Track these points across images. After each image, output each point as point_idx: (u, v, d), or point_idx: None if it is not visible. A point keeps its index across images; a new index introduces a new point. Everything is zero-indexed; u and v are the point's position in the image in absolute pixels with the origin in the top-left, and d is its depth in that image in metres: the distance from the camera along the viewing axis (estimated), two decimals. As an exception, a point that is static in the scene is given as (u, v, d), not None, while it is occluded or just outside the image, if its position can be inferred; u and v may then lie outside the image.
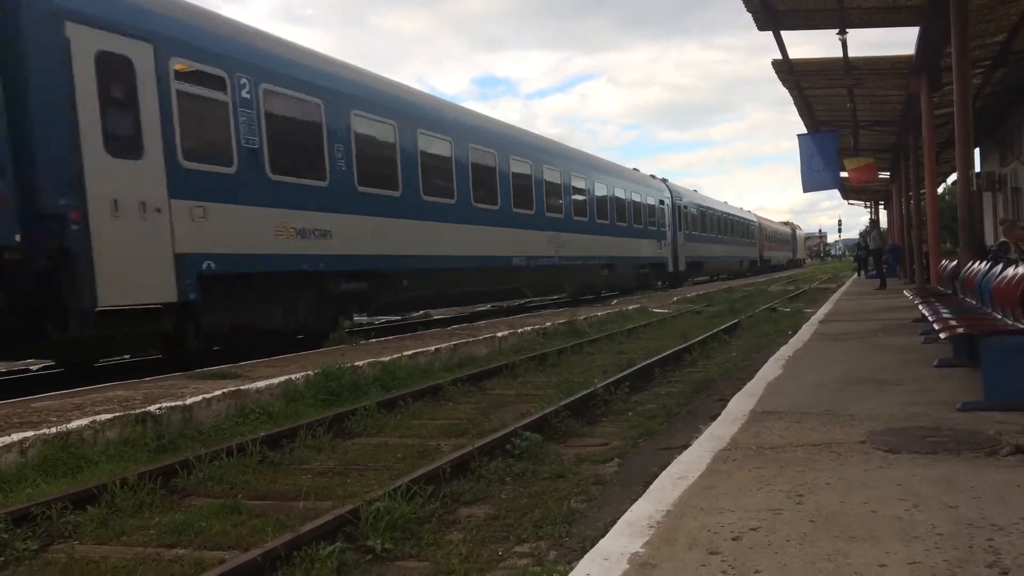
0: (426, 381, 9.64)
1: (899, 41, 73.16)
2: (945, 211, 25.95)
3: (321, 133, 12.95)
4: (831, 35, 13.28)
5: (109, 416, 6.59)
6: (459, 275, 17.12)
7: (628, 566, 2.92)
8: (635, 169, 32.30)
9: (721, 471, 4.18)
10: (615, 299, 26.15)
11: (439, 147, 16.53)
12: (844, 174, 25.54)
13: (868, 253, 29.24)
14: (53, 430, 6.12)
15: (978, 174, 19.86)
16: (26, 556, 4.36)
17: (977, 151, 22.44)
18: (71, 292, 8.91)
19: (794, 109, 19.52)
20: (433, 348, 11.45)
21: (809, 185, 21.27)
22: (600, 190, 26.05)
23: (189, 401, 7.34)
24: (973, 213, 11.32)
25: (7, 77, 8.55)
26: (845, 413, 5.48)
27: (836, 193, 40.00)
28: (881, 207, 45.37)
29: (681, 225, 35.15)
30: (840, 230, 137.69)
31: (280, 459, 6.30)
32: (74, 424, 6.31)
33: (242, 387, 8.04)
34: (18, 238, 8.52)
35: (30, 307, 8.87)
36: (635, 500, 3.85)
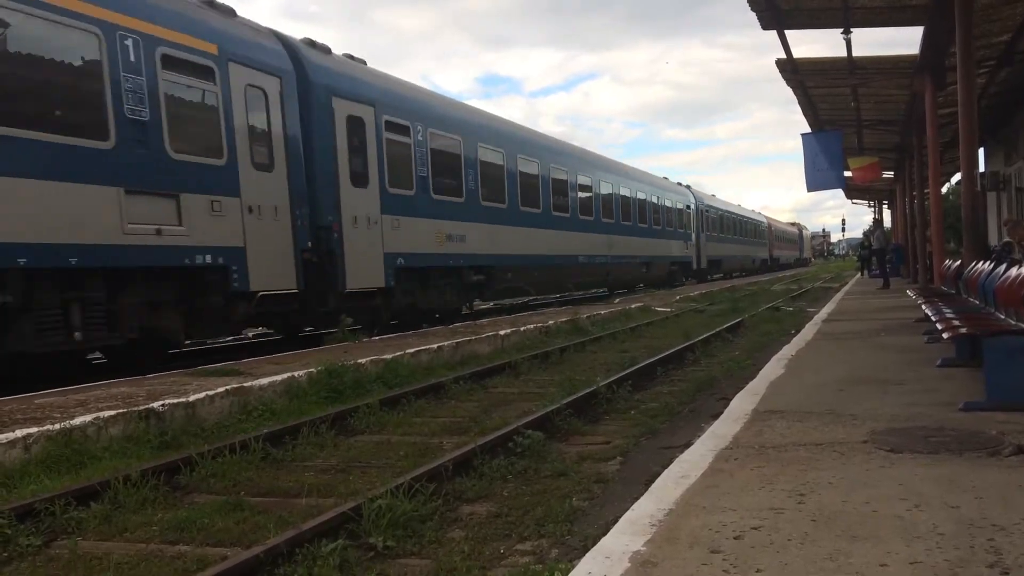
0: (428, 379, 9.66)
1: (903, 40, 72.98)
2: (949, 211, 25.91)
3: (460, 162, 17.26)
4: (835, 34, 13.28)
5: (112, 412, 6.61)
6: (544, 270, 21.30)
7: (630, 564, 2.92)
8: (665, 178, 36.61)
9: (723, 470, 4.18)
10: (618, 298, 26.16)
11: (531, 168, 20.80)
12: (848, 173, 25.50)
13: (871, 253, 29.22)
14: (57, 426, 6.14)
15: (982, 174, 19.81)
16: (29, 552, 4.38)
17: (981, 151, 22.38)
18: (332, 280, 12.97)
19: (798, 108, 19.50)
20: (435, 346, 11.46)
21: (813, 185, 21.23)
22: (640, 198, 30.15)
23: (192, 398, 7.36)
24: (977, 213, 11.30)
25: (304, 135, 12.49)
26: (847, 413, 5.48)
27: (840, 192, 40.44)
28: (885, 206, 45.30)
29: (703, 227, 39.49)
30: (844, 229, 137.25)
31: (283, 456, 6.31)
32: (78, 420, 6.33)
33: (245, 384, 8.05)
34: (310, 243, 12.55)
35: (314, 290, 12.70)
36: (637, 499, 3.85)
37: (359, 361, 9.53)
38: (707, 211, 41.06)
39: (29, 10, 8.57)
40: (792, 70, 15.48)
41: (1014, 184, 21.89)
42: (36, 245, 8.52)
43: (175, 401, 7.18)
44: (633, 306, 20.92)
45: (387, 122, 14.58)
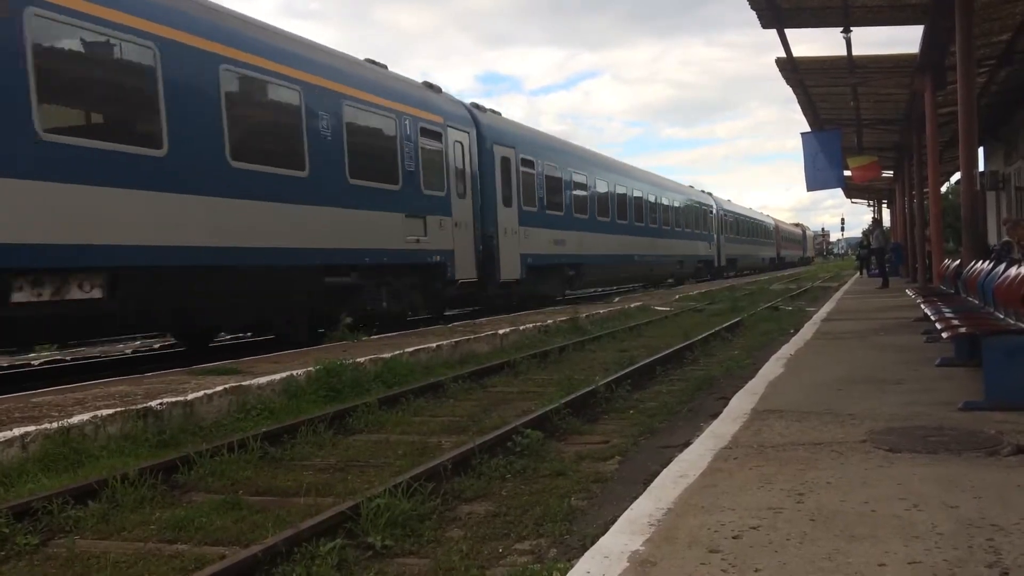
0: (427, 378, 9.65)
1: (903, 39, 72.97)
2: (948, 210, 25.90)
3: (561, 185, 22.95)
4: (835, 33, 13.27)
5: (110, 411, 6.60)
6: (612, 266, 27.26)
7: (628, 564, 2.92)
8: (690, 186, 42.34)
9: (722, 469, 4.18)
10: (617, 297, 26.18)
11: (603, 186, 26.67)
12: (847, 172, 25.50)
13: (871, 252, 29.24)
14: (54, 425, 6.13)
15: (982, 173, 19.80)
16: (27, 551, 4.37)
17: (981, 150, 22.38)
18: (489, 273, 18.05)
19: (798, 107, 19.50)
20: (434, 345, 11.46)
21: (813, 184, 21.23)
22: (676, 206, 35.92)
23: (190, 397, 7.35)
24: (976, 212, 11.30)
25: (482, 173, 18.08)
26: (846, 412, 5.47)
27: (839, 191, 40.97)
28: (884, 206, 45.30)
29: (722, 230, 45.09)
30: (843, 229, 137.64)
31: (281, 455, 6.31)
32: (75, 419, 6.32)
33: (243, 383, 8.04)
34: (480, 247, 17.87)
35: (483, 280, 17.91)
36: (636, 498, 3.84)
37: (358, 360, 9.52)
38: (725, 215, 46.40)
39: (370, 108, 14.26)
40: (792, 69, 15.48)
41: (1014, 183, 21.89)
42: (371, 249, 13.94)
43: (173, 400, 7.17)
44: (632, 305, 20.92)
45: (522, 159, 20.30)
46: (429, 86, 17.25)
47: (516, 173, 19.79)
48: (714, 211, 43.41)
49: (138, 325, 12.80)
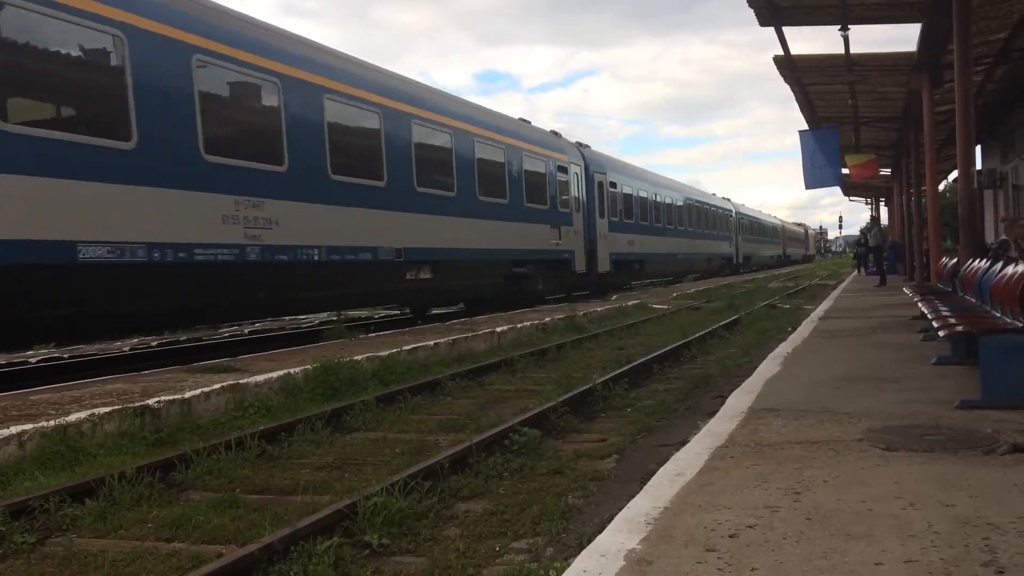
0: (425, 376, 9.65)
1: (901, 38, 73.04)
2: (946, 208, 25.92)
3: (632, 200, 29.33)
4: (833, 31, 13.27)
5: (108, 409, 6.59)
6: (662, 262, 33.42)
7: (625, 563, 2.92)
8: (713, 194, 47.56)
9: (719, 468, 4.18)
10: (615, 295, 26.20)
11: (657, 198, 32.86)
12: (845, 171, 25.50)
13: (868, 250, 29.27)
14: (52, 423, 6.12)
15: (979, 171, 19.81)
16: (24, 549, 4.37)
17: (978, 148, 22.40)
18: (591, 266, 24.31)
19: (797, 105, 19.50)
20: (432, 343, 11.46)
21: (811, 182, 21.23)
22: (705, 210, 42.01)
23: (188, 395, 7.34)
24: (974, 211, 11.31)
25: (587, 194, 24.54)
26: (843, 411, 5.48)
27: (837, 189, 41.20)
28: (882, 204, 45.34)
29: (739, 231, 51.32)
30: (841, 226, 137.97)
31: (278, 453, 6.30)
32: (73, 417, 6.31)
33: (241, 381, 8.04)
34: (586, 248, 23.91)
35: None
36: (632, 497, 3.84)
37: (355, 358, 9.52)
38: (741, 218, 52.52)
39: (535, 156, 21.18)
40: (790, 67, 15.48)
41: (1011, 182, 21.90)
42: (535, 250, 20.53)
43: (170, 398, 7.17)
44: (630, 303, 20.93)
45: (610, 182, 26.85)
46: (556, 134, 24.50)
47: (606, 193, 26.39)
48: (733, 215, 49.47)
49: (443, 296, 19.21)
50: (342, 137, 13.63)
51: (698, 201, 40.65)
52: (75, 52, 9.15)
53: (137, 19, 9.76)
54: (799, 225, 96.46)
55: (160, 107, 10.01)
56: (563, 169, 22.83)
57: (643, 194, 30.65)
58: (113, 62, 9.54)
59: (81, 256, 8.91)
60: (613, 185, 27.02)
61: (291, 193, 12.14)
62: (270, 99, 12.01)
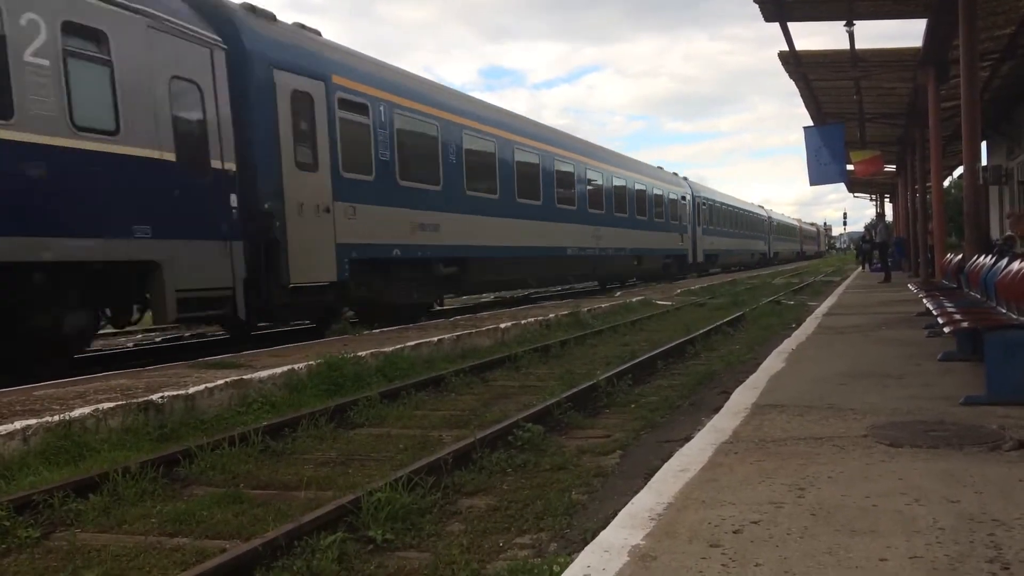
0: (428, 372, 9.64)
1: (907, 33, 72.95)
2: (951, 204, 25.84)
3: (712, 213, 41.39)
4: (838, 27, 13.22)
5: (111, 404, 6.60)
6: (727, 255, 44.24)
7: (629, 558, 2.92)
8: (751, 203, 55.58)
9: (723, 464, 4.17)
10: (619, 291, 26.18)
11: (731, 211, 45.36)
12: (850, 167, 25.43)
13: (873, 246, 29.21)
14: (56, 418, 6.13)
15: (984, 167, 19.73)
16: (28, 544, 4.37)
17: (984, 144, 22.32)
18: (695, 258, 38.07)
19: (801, 101, 19.44)
20: (436, 339, 11.45)
21: (816, 179, 21.18)
22: (750, 218, 51.54)
23: (192, 390, 7.35)
24: (979, 207, 11.27)
25: (692, 215, 37.98)
26: (847, 407, 5.47)
27: (842, 186, 41.38)
28: (887, 200, 45.23)
29: (771, 232, 60.70)
30: (845, 223, 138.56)
31: (282, 449, 6.31)
32: (76, 412, 6.32)
33: (245, 376, 8.05)
34: (692, 247, 39.08)
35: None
36: (636, 492, 3.84)
37: (359, 354, 9.52)
38: (773, 221, 62.05)
39: (668, 192, 34.35)
40: (795, 63, 15.43)
41: (1016, 178, 21.83)
42: (675, 248, 34.86)
43: (174, 393, 7.17)
44: (634, 299, 20.91)
45: (702, 201, 38.98)
46: (675, 174, 36.97)
47: (700, 210, 38.16)
48: (766, 218, 57.30)
49: (641, 274, 31.54)
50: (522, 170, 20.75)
51: (746, 211, 51.67)
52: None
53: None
54: (812, 224, 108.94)
55: (450, 164, 16.91)
56: (683, 199, 36.04)
57: (717, 208, 42.63)
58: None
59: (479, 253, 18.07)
60: (704, 203, 39.33)
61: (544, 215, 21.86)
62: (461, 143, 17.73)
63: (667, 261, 34.28)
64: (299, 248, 12.00)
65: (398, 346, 10.49)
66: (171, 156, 9.96)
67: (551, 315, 15.59)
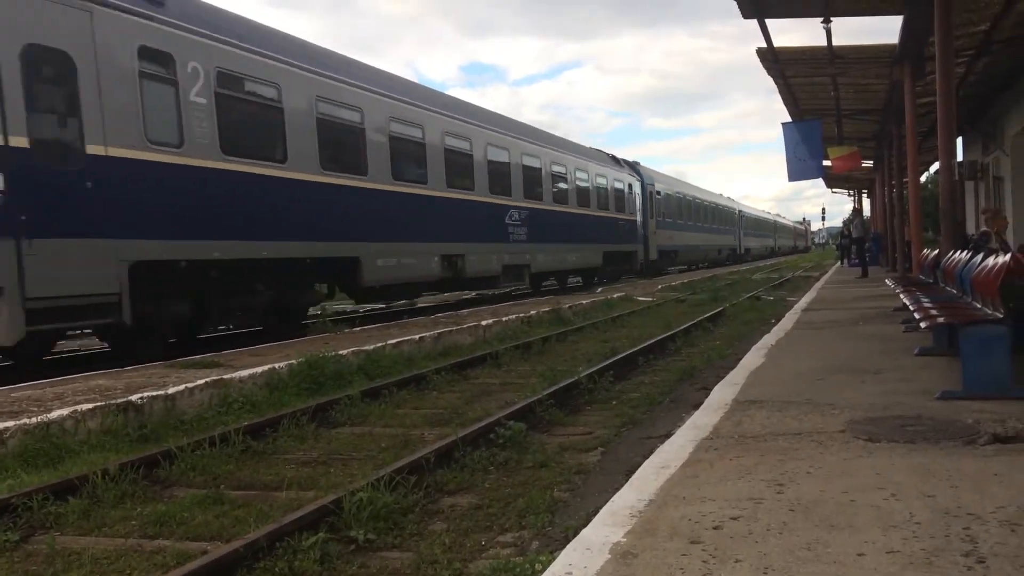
0: (410, 370, 9.63)
1: (883, 30, 73.55)
2: (927, 200, 26.08)
3: (671, 204, 37.68)
4: (816, 24, 13.30)
5: (90, 406, 6.55)
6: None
7: (610, 556, 2.94)
8: (719, 194, 54.15)
9: (703, 460, 4.21)
10: (600, 287, 26.24)
11: (695, 203, 43.30)
12: (828, 162, 25.61)
13: (852, 241, 29.43)
14: (34, 420, 6.08)
15: (960, 163, 19.94)
16: (7, 547, 4.34)
17: (960, 140, 22.53)
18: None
19: (780, 97, 19.54)
20: (417, 337, 11.44)
21: (794, 175, 21.32)
22: (706, 209, 46.76)
23: (171, 391, 7.30)
24: (955, 202, 11.39)
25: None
26: (826, 402, 5.52)
27: (821, 181, 41.61)
28: (864, 195, 45.61)
29: (742, 225, 59.57)
30: (824, 218, 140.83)
31: (263, 449, 6.28)
32: (55, 414, 6.27)
33: (225, 376, 8.00)
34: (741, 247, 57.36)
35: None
36: (618, 490, 3.86)
37: (340, 352, 9.49)
38: (744, 216, 61.41)
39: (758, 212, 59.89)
40: (773, 59, 15.51)
41: (992, 173, 22.06)
42: (722, 245, 50.33)
43: (154, 394, 7.13)
44: (615, 296, 20.97)
45: (656, 191, 34.48)
46: (730, 199, 52.83)
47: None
48: (736, 213, 57.20)
49: (677, 261, 39.72)
50: (666, 199, 35.58)
51: (712, 203, 47.31)
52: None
53: (653, 185, 33.50)
54: (800, 223, 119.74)
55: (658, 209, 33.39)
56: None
57: (676, 198, 38.42)
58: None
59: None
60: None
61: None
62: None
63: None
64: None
65: (379, 344, 10.47)
66: None
67: (532, 312, 15.61)
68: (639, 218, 31.78)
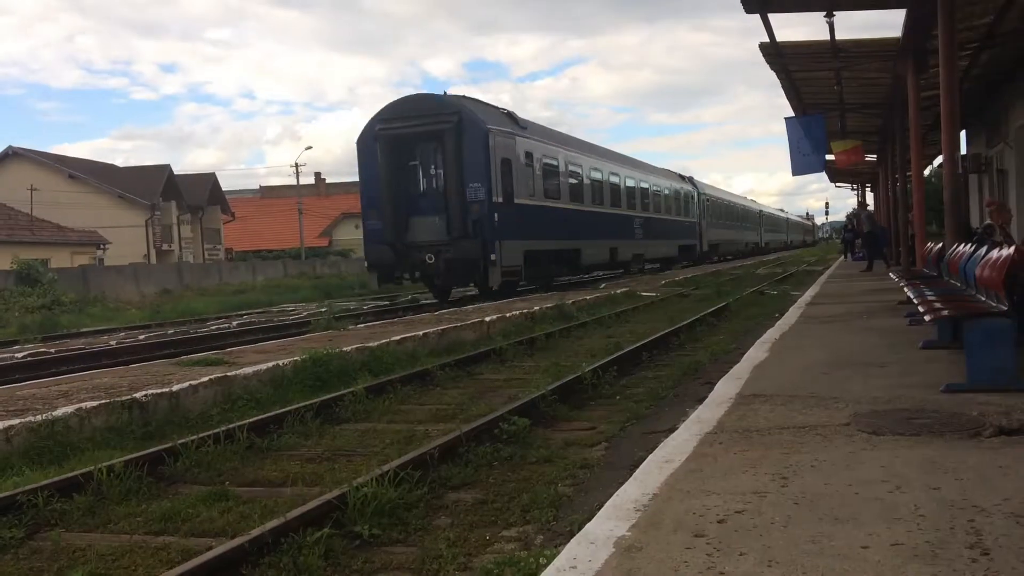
0: (414, 367, 9.64)
1: (887, 23, 73.39)
2: (931, 193, 26.00)
3: (716, 207, 48.67)
4: (819, 18, 13.25)
5: (95, 403, 6.57)
6: (728, 245, 52.24)
7: (614, 549, 2.93)
8: (744, 196, 67.34)
9: (707, 454, 4.20)
10: (603, 283, 26.24)
11: (729, 206, 54.17)
12: (831, 157, 25.53)
13: (867, 235, 29.37)
14: (39, 418, 6.10)
15: (964, 156, 19.88)
16: (12, 544, 4.35)
17: (964, 133, 22.46)
18: (767, 241, 69.96)
19: (783, 92, 19.48)
20: (421, 333, 11.45)
21: (798, 169, 21.26)
22: (737, 210, 56.61)
23: (176, 388, 7.32)
24: (959, 195, 11.36)
25: (699, 207, 44.63)
26: (830, 396, 5.51)
27: (824, 176, 41.94)
28: (868, 190, 45.51)
29: (762, 223, 68.08)
30: (827, 213, 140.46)
31: (268, 445, 6.29)
32: (60, 411, 6.29)
33: (229, 373, 8.02)
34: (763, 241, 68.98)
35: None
36: (622, 484, 3.86)
37: (344, 349, 9.50)
38: (763, 216, 70.52)
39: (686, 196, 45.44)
40: (776, 54, 15.45)
41: (996, 166, 21.99)
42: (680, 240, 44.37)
43: (158, 391, 7.15)
44: (619, 291, 20.96)
45: (706, 197, 44.57)
46: (752, 200, 67.23)
47: (705, 204, 43.56)
48: (757, 213, 66.82)
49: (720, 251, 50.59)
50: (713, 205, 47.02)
51: (741, 205, 59.08)
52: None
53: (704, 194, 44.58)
54: (807, 219, 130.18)
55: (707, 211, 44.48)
56: (692, 197, 41.77)
57: (717, 201, 48.63)
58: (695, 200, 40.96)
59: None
60: (707, 199, 44.81)
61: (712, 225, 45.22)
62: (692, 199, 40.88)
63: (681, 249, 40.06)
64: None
65: (383, 341, 10.48)
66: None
67: (536, 308, 15.60)
68: (696, 220, 42.89)
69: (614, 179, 29.76)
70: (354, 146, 20.75)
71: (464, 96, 21.31)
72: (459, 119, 19.11)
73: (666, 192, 37.69)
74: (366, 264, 20.84)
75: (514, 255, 20.12)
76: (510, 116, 22.04)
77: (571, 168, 25.35)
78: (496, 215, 19.35)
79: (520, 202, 20.74)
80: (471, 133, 19.23)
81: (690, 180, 44.23)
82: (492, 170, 19.39)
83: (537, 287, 23.02)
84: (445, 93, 20.92)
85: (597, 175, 27.87)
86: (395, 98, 23.00)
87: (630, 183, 31.68)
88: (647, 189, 34.19)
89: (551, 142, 24.20)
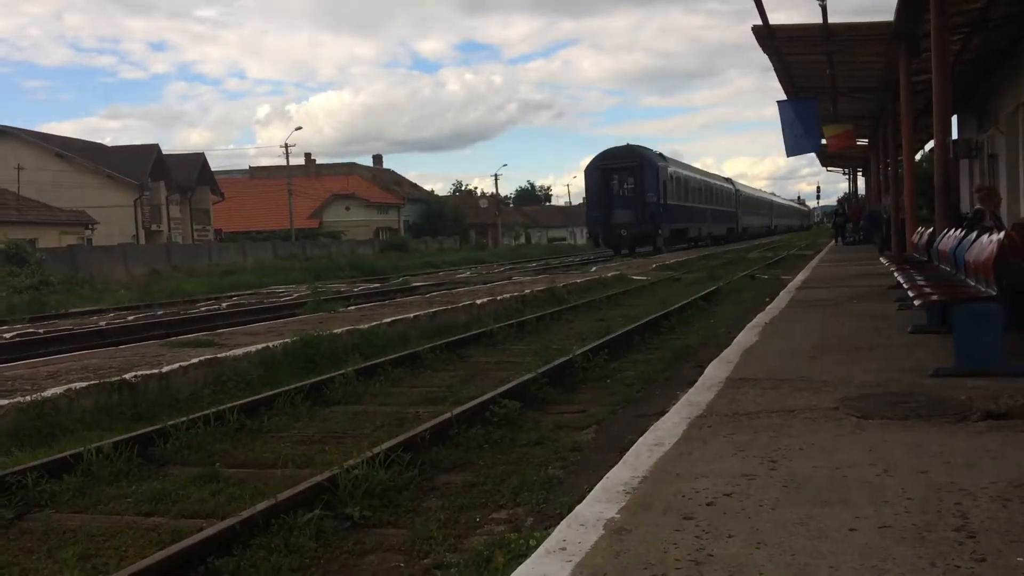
0: (405, 349, 9.63)
1: (879, 7, 73.31)
2: (922, 178, 26.03)
3: (745, 198, 63.12)
4: (811, 1, 13.23)
5: (84, 384, 6.56)
6: (754, 227, 65.92)
7: (604, 531, 2.95)
8: (760, 188, 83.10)
9: (697, 437, 4.22)
10: (594, 266, 26.26)
11: (754, 196, 70.34)
12: (823, 141, 25.54)
13: (846, 220, 29.45)
14: (28, 398, 6.09)
15: (955, 141, 19.88)
16: (2, 525, 4.35)
17: (954, 118, 22.47)
18: (779, 228, 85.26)
19: (776, 75, 19.45)
20: (412, 315, 11.45)
21: (793, 149, 21.26)
22: (759, 200, 70.38)
23: (166, 369, 7.31)
24: (949, 180, 11.40)
25: (736, 198, 60.78)
26: (819, 379, 5.54)
27: (815, 159, 42.07)
28: (859, 174, 45.60)
29: (774, 211, 78.94)
30: (819, 197, 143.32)
31: (258, 427, 6.29)
32: (49, 392, 6.27)
33: (219, 355, 8.01)
34: (772, 224, 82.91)
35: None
36: (612, 467, 3.87)
37: (335, 331, 9.50)
38: (774, 205, 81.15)
39: (730, 190, 59.86)
40: (768, 37, 15.42)
41: (986, 151, 22.03)
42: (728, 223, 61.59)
43: (148, 372, 7.13)
44: (609, 275, 20.98)
45: (739, 191, 59.05)
46: (763, 191, 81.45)
47: (742, 197, 57.36)
48: (773, 202, 79.66)
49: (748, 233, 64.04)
50: (745, 198, 61.88)
51: (761, 196, 73.19)
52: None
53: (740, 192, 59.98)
54: (803, 204, 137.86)
55: (740, 202, 58.77)
56: (735, 192, 55.67)
57: (747, 195, 61.70)
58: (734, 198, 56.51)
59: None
60: (739, 192, 57.59)
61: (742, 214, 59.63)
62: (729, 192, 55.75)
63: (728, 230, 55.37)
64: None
65: (374, 323, 10.47)
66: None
67: (527, 291, 15.62)
68: (734, 210, 56.14)
69: (706, 187, 47.87)
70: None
71: (642, 146, 39.01)
72: (642, 161, 36.93)
73: (723, 193, 54.59)
74: (587, 235, 44.35)
75: (667, 232, 37.77)
76: (662, 155, 39.40)
77: (690, 183, 43.30)
78: (660, 210, 36.53)
79: (670, 203, 38.14)
80: (648, 168, 36.74)
81: (729, 180, 60.68)
82: (659, 186, 36.58)
83: (671, 249, 38.05)
84: (627, 144, 38.33)
85: (697, 185, 45.78)
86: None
87: (713, 189, 49.93)
88: (722, 190, 53.16)
89: (680, 167, 42.19)
